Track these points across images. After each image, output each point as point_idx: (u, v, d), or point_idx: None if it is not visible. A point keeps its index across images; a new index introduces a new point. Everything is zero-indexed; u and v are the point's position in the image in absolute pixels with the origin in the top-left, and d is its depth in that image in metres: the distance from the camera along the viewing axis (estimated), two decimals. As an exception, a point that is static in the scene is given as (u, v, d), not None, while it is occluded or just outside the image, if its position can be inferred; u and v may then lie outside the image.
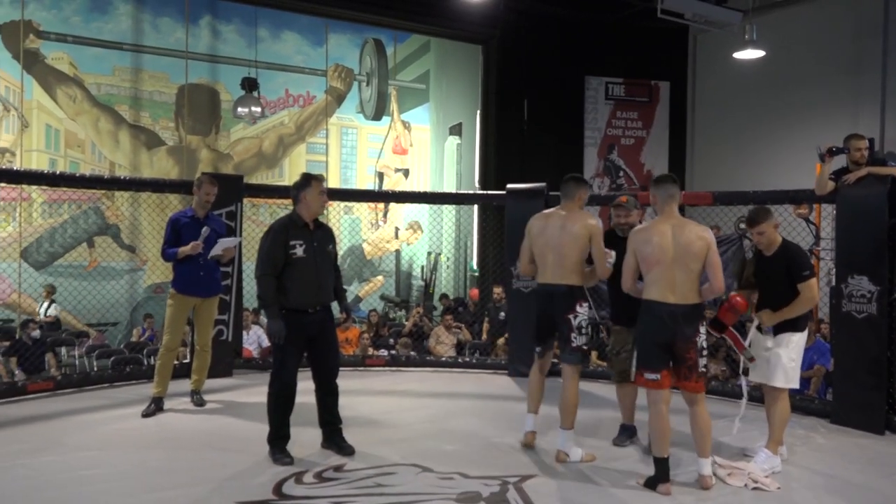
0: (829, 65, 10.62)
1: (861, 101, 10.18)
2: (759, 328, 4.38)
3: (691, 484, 3.98)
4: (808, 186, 5.62)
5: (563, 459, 4.29)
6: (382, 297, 14.80)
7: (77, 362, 9.08)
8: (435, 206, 11.49)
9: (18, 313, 11.16)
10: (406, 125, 15.59)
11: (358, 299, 14.62)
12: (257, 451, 4.35)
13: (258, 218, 12.54)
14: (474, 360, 7.58)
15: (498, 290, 9.22)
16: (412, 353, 8.31)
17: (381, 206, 14.81)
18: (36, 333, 8.63)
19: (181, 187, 6.84)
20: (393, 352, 8.53)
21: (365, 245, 15.07)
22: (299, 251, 4.27)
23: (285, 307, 4.24)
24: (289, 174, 14.06)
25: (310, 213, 4.35)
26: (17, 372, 8.22)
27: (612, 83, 12.84)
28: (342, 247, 13.79)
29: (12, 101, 12.00)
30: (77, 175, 7.14)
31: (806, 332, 4.44)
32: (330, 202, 7.67)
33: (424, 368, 7.31)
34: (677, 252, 3.84)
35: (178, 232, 5.35)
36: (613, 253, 4.35)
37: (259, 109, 12.22)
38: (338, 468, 4.16)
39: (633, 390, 4.58)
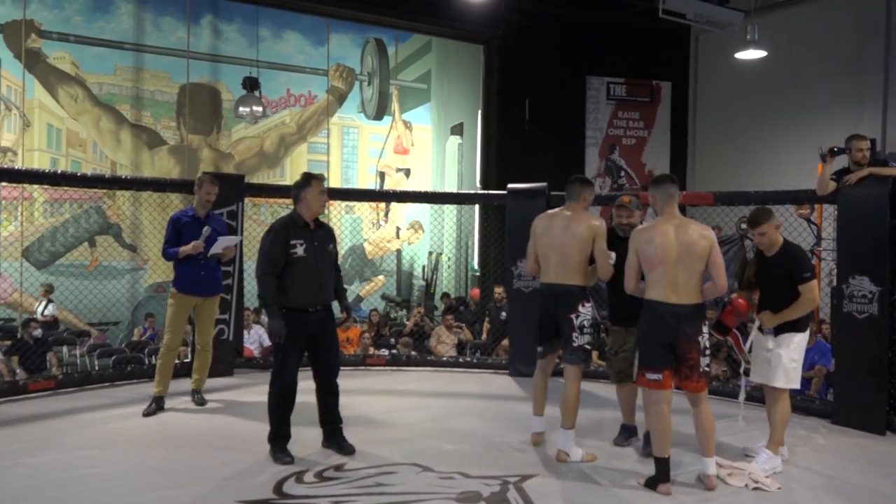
0: (830, 65, 10.61)
1: (863, 102, 10.17)
2: (759, 329, 4.39)
3: (692, 484, 3.99)
4: (810, 187, 5.62)
5: (564, 459, 4.30)
6: (383, 297, 14.81)
7: (78, 361, 9.09)
8: (436, 206, 11.49)
9: (20, 312, 11.17)
10: (407, 125, 15.59)
11: (359, 299, 14.62)
12: (258, 450, 4.36)
13: (259, 217, 12.55)
14: (475, 360, 7.58)
15: (499, 290, 9.22)
16: (413, 352, 8.31)
17: (382, 205, 14.81)
18: (37, 332, 8.64)
19: (182, 187, 6.84)
20: (394, 351, 8.53)
21: (366, 245, 15.07)
22: (300, 251, 4.27)
23: (286, 306, 4.25)
24: (290, 174, 14.07)
25: (310, 212, 4.35)
26: (18, 371, 8.23)
27: (613, 83, 12.83)
28: (343, 246, 13.80)
29: (14, 100, 12.01)
30: (78, 174, 7.16)
31: (807, 333, 4.45)
32: (331, 202, 7.75)
33: (425, 368, 7.31)
34: (680, 252, 3.84)
35: (178, 231, 5.35)
36: (614, 254, 4.36)
37: (260, 109, 12.23)
38: (338, 467, 4.17)
39: (633, 390, 4.58)
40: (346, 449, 4.39)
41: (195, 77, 13.36)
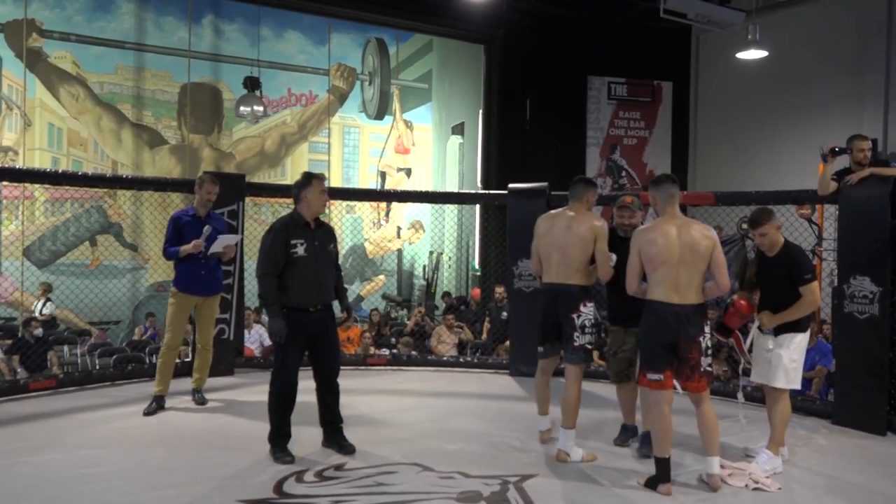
0: (831, 65, 10.60)
1: (864, 102, 10.16)
2: (759, 328, 4.39)
3: (692, 484, 3.98)
4: (811, 187, 5.61)
5: (564, 459, 4.30)
6: (384, 297, 14.81)
7: (79, 360, 9.10)
8: (437, 206, 11.49)
9: (21, 311, 11.18)
10: (408, 124, 15.60)
11: (360, 298, 14.63)
12: (258, 449, 4.36)
13: (260, 217, 12.56)
14: (476, 360, 7.58)
15: (500, 290, 9.21)
16: (414, 352, 8.31)
17: (383, 205, 14.83)
18: (38, 332, 8.65)
19: (183, 186, 6.84)
20: (394, 351, 8.53)
21: (367, 244, 15.08)
22: (300, 250, 4.27)
23: (286, 306, 4.25)
24: (291, 173, 14.08)
25: (311, 212, 4.35)
26: (19, 370, 8.24)
27: (614, 83, 12.83)
28: (344, 246, 13.80)
29: (15, 99, 12.03)
30: (79, 174, 7.17)
31: (808, 333, 4.44)
32: (332, 201, 7.75)
33: (426, 368, 7.31)
34: (683, 252, 3.84)
35: (179, 230, 5.35)
36: (614, 256, 4.36)
37: (261, 108, 12.24)
38: (339, 467, 4.17)
39: (632, 390, 4.58)
40: (347, 448, 4.39)
41: (196, 76, 13.37)
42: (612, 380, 4.75)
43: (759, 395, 4.99)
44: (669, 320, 3.84)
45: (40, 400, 5.66)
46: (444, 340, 9.19)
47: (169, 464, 4.22)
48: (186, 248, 5.26)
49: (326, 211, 6.29)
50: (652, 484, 3.89)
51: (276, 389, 4.31)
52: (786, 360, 4.26)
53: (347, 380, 5.11)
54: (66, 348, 9.28)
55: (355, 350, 8.77)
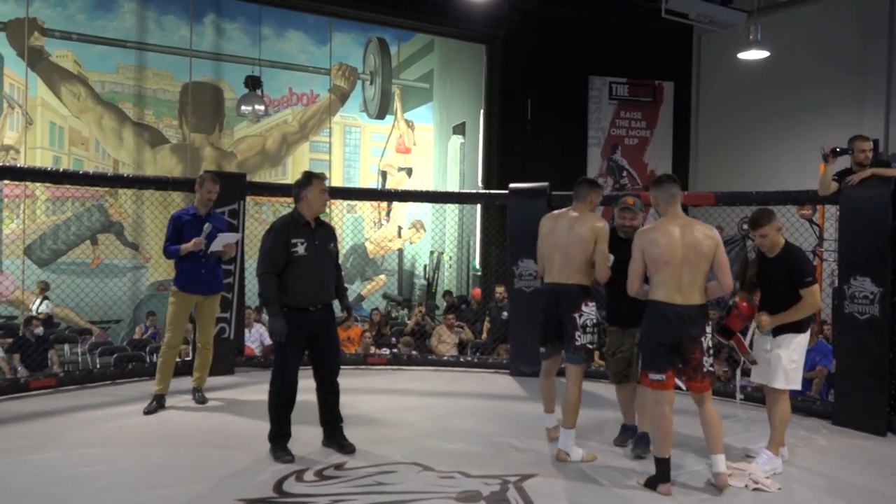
0: (833, 65, 10.59)
1: (865, 102, 10.15)
2: (758, 328, 4.39)
3: (692, 484, 3.98)
4: (812, 187, 5.60)
5: (564, 459, 4.30)
6: (385, 296, 14.82)
7: (80, 359, 9.10)
8: (438, 206, 11.49)
9: (22, 310, 11.19)
10: (409, 124, 15.60)
11: (360, 298, 14.64)
12: (258, 448, 4.36)
13: (261, 216, 12.58)
14: (476, 360, 7.57)
15: (500, 290, 9.21)
16: (414, 352, 8.32)
17: (384, 204, 14.83)
18: (39, 330, 8.66)
19: (184, 185, 6.84)
20: (395, 350, 8.53)
21: (368, 244, 15.09)
22: (301, 249, 4.27)
23: (287, 305, 4.25)
24: (292, 172, 14.09)
25: (311, 211, 4.36)
26: (20, 368, 8.25)
27: (615, 83, 12.82)
28: (345, 245, 13.80)
29: (17, 98, 12.04)
30: (81, 172, 7.18)
31: (808, 334, 4.44)
32: (332, 201, 7.75)
33: (426, 367, 7.31)
34: (686, 252, 3.84)
35: (179, 229, 5.36)
36: (612, 256, 4.37)
37: (262, 108, 12.24)
38: (338, 466, 4.17)
39: (632, 390, 4.58)
40: (347, 448, 4.39)
41: (198, 76, 13.38)
42: (612, 380, 4.76)
43: (759, 395, 4.99)
44: (672, 321, 3.84)
45: (41, 398, 5.66)
46: (445, 340, 9.19)
47: (169, 462, 4.23)
48: (187, 247, 5.27)
49: (327, 210, 6.29)
50: (652, 484, 3.89)
51: (276, 389, 4.31)
52: (785, 360, 4.26)
53: (348, 379, 5.11)
54: (66, 347, 9.28)
55: (356, 349, 8.77)
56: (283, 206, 9.38)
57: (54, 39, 12.28)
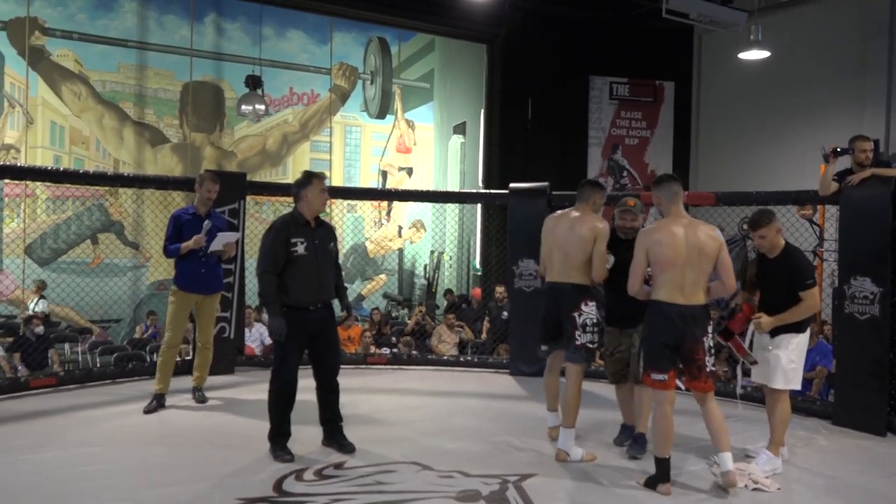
0: (833, 65, 10.59)
1: (866, 102, 10.15)
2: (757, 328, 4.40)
3: (691, 484, 3.98)
4: (812, 187, 5.60)
5: (564, 458, 4.30)
6: (385, 296, 14.82)
7: (80, 358, 9.11)
8: (438, 205, 11.50)
9: (22, 309, 11.19)
10: (410, 124, 15.60)
11: (361, 297, 14.64)
12: (258, 448, 4.36)
13: (261, 215, 12.58)
14: (476, 360, 7.57)
15: (500, 290, 9.22)
16: (414, 351, 8.32)
17: (384, 204, 14.82)
18: (39, 329, 8.66)
19: (185, 185, 6.84)
20: (395, 350, 8.54)
21: (368, 243, 15.09)
22: (300, 249, 4.27)
23: (286, 305, 4.25)
24: (292, 172, 14.09)
25: (311, 210, 4.36)
26: (20, 367, 8.26)
27: (616, 83, 12.82)
28: (345, 245, 13.81)
29: (17, 97, 12.04)
30: (81, 172, 7.18)
31: (808, 334, 4.44)
32: (333, 200, 7.75)
33: (426, 367, 7.31)
34: (690, 253, 3.84)
35: (179, 229, 5.36)
36: (612, 258, 4.38)
37: (263, 107, 12.25)
38: (338, 466, 4.17)
39: (630, 390, 4.59)
40: (346, 447, 4.39)
41: (198, 75, 13.38)
42: (610, 380, 4.76)
43: (759, 395, 4.98)
44: (675, 321, 3.84)
45: (41, 398, 5.66)
46: (445, 340, 9.19)
47: (169, 462, 4.23)
48: (187, 245, 5.27)
49: (327, 210, 6.29)
50: (651, 484, 3.89)
51: (275, 388, 4.31)
52: (784, 360, 4.26)
53: (348, 379, 5.11)
54: (66, 346, 9.29)
55: (356, 349, 8.78)
56: (283, 206, 9.39)
57: (55, 39, 12.28)
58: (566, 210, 4.62)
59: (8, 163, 10.62)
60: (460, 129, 14.49)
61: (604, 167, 12.84)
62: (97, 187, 10.53)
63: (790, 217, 6.54)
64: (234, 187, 6.66)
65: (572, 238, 4.39)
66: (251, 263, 5.22)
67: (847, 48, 10.45)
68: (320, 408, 4.49)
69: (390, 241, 15.24)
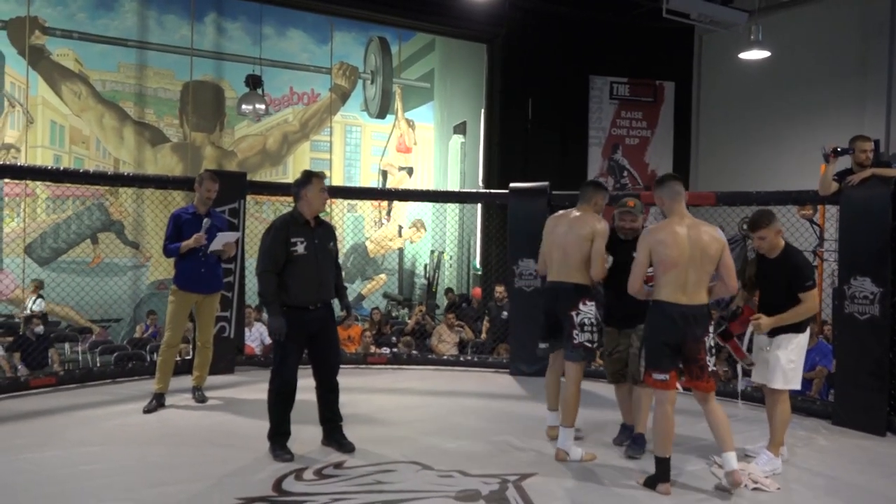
0: (834, 65, 10.58)
1: (866, 102, 10.15)
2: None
3: (691, 484, 3.98)
4: (813, 187, 5.60)
5: (563, 458, 4.30)
6: (385, 296, 14.82)
7: (80, 358, 9.11)
8: (438, 205, 11.51)
9: (22, 309, 11.20)
10: (410, 123, 15.60)
11: (361, 297, 14.64)
12: (258, 447, 4.36)
13: (261, 215, 12.58)
14: (476, 359, 7.57)
15: (500, 289, 9.22)
16: (414, 351, 8.32)
17: (384, 204, 14.82)
18: (39, 329, 8.66)
19: (185, 184, 6.84)
20: (395, 350, 8.53)
21: (368, 243, 15.09)
22: (300, 248, 4.27)
23: (286, 304, 4.25)
24: (293, 172, 14.09)
25: (311, 210, 4.35)
26: (20, 367, 8.26)
27: (616, 83, 12.82)
28: (346, 245, 13.81)
29: (17, 97, 12.04)
30: (81, 171, 7.17)
31: (807, 333, 4.43)
32: (333, 200, 7.75)
33: (426, 367, 7.30)
34: (693, 254, 3.84)
35: (179, 228, 5.36)
36: (611, 258, 4.38)
37: (263, 107, 12.25)
38: (338, 465, 4.17)
39: (630, 390, 4.59)
40: (346, 447, 4.39)
41: (198, 74, 13.38)
42: (609, 380, 4.76)
43: (759, 395, 4.98)
44: (677, 321, 3.84)
45: (41, 397, 5.66)
46: (445, 339, 9.19)
47: (169, 461, 4.23)
48: (188, 243, 5.27)
49: (328, 209, 6.29)
50: (651, 483, 3.89)
51: (275, 387, 4.31)
52: (784, 360, 4.26)
53: (348, 378, 5.11)
54: (66, 346, 9.29)
55: (356, 349, 8.78)
56: (283, 206, 9.39)
57: (55, 38, 12.28)
58: (567, 210, 4.64)
59: (8, 162, 10.62)
60: (460, 128, 14.49)
61: (604, 167, 12.84)
62: (97, 187, 10.53)
63: (790, 217, 6.53)
64: (234, 187, 6.66)
65: (571, 237, 4.41)
66: (251, 263, 5.22)
67: (847, 48, 10.45)
68: (320, 407, 4.49)
69: (390, 240, 15.24)
